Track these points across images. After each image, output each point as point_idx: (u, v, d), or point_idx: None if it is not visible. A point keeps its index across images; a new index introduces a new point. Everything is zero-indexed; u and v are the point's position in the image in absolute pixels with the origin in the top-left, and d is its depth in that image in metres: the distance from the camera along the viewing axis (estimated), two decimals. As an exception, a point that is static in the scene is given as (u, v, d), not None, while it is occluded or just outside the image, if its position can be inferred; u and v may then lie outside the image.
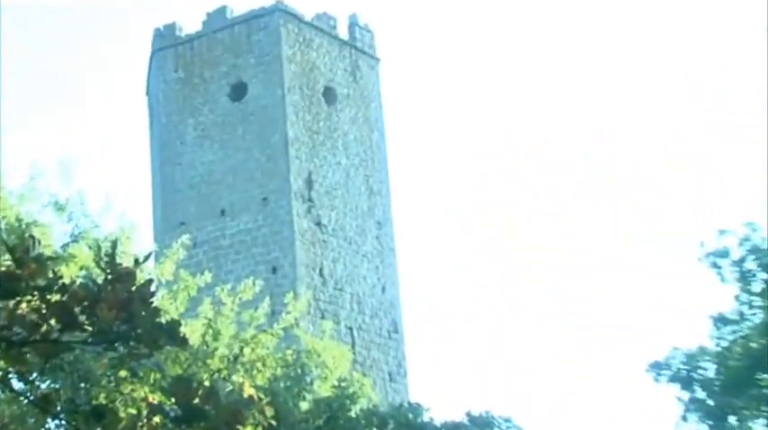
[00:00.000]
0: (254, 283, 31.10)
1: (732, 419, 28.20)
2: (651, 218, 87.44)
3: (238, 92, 53.74)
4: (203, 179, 53.12)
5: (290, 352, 31.10)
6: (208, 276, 30.34)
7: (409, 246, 76.70)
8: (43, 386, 19.11)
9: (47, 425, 17.96)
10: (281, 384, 29.84)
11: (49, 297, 6.39)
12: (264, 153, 52.24)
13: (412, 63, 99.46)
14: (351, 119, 55.34)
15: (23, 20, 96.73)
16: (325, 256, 51.57)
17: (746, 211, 69.46)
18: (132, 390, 11.49)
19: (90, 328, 6.38)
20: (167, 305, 27.44)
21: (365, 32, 57.52)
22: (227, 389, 25.24)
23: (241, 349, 28.66)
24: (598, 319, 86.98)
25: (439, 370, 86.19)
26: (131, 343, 6.43)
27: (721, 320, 28.82)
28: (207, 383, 7.42)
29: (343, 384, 31.93)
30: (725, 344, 28.68)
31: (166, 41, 55.50)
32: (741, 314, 28.78)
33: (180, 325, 6.62)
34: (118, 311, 6.35)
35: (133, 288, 6.44)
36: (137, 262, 7.00)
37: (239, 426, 6.63)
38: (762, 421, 27.77)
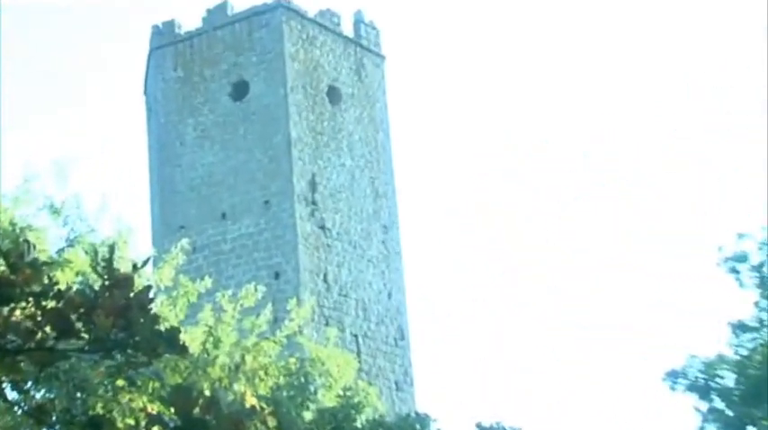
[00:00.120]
0: (255, 289, 31.11)
1: (751, 430, 28.16)
2: (651, 218, 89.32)
3: (239, 91, 53.78)
4: (203, 181, 53.16)
5: (293, 360, 31.11)
6: (208, 282, 30.35)
7: (414, 249, 77.30)
8: (38, 396, 19.10)
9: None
10: (284, 394, 29.85)
11: (44, 303, 6.39)
12: (266, 154, 52.27)
13: (418, 61, 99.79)
14: (356, 119, 55.37)
15: (23, 20, 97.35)
16: (329, 261, 51.58)
17: (746, 212, 70.51)
18: (130, 400, 11.48)
19: (86, 336, 6.38)
20: (166, 312, 27.46)
21: (370, 29, 57.55)
22: (229, 399, 25.27)
23: (243, 357, 28.65)
24: (599, 319, 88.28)
25: (447, 378, 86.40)
26: (129, 351, 6.43)
27: (740, 327, 28.79)
28: (207, 393, 7.43)
29: (348, 393, 31.95)
30: (744, 352, 28.65)
31: (165, 39, 55.55)
32: (761, 321, 28.75)
33: (179, 332, 6.62)
34: (115, 318, 6.35)
35: (131, 294, 6.44)
36: (135, 267, 7.00)
37: (241, 437, 6.63)
38: (782, 432, 27.71)
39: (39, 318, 6.38)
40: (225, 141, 53.28)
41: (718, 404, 28.50)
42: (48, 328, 6.37)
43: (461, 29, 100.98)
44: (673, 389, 28.97)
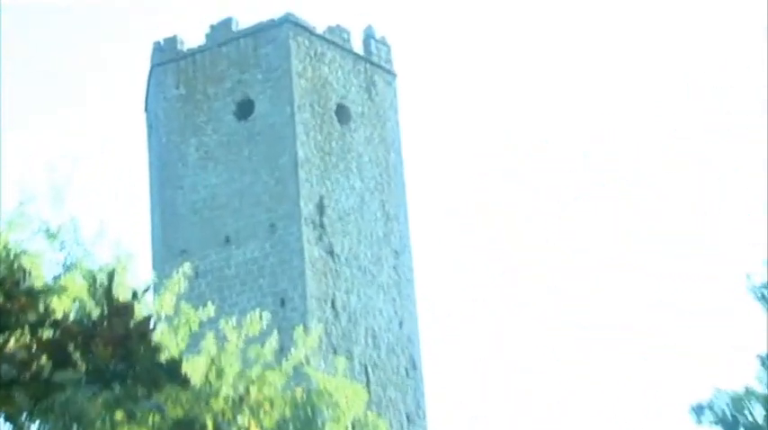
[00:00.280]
0: (260, 317, 31.06)
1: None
2: (651, 218, 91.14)
3: (244, 110, 53.87)
4: (206, 204, 53.20)
5: (299, 391, 31.05)
6: (211, 309, 30.30)
7: (427, 275, 78.37)
8: (33, 428, 19.13)
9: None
10: (290, 426, 29.80)
11: (40, 333, 6.41)
12: (272, 176, 52.32)
13: (432, 78, 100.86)
14: (366, 139, 55.42)
15: (23, 20, 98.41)
16: (337, 287, 51.56)
17: (746, 211, 71.82)
18: (129, 434, 11.51)
19: (84, 367, 6.39)
20: (167, 341, 27.38)
21: (381, 46, 57.66)
22: (232, 432, 25.25)
23: (247, 388, 28.62)
24: (599, 319, 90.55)
25: (459, 410, 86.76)
26: (129, 382, 6.44)
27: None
28: (210, 426, 7.45)
29: (357, 426, 31.88)
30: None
31: (167, 56, 55.70)
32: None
33: (181, 363, 6.63)
34: (114, 348, 6.37)
35: (131, 323, 6.46)
36: (135, 295, 7.02)
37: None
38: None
39: (34, 349, 6.41)
40: (229, 162, 53.34)
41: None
42: (43, 359, 6.38)
43: (475, 43, 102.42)
44: (698, 422, 28.93)
